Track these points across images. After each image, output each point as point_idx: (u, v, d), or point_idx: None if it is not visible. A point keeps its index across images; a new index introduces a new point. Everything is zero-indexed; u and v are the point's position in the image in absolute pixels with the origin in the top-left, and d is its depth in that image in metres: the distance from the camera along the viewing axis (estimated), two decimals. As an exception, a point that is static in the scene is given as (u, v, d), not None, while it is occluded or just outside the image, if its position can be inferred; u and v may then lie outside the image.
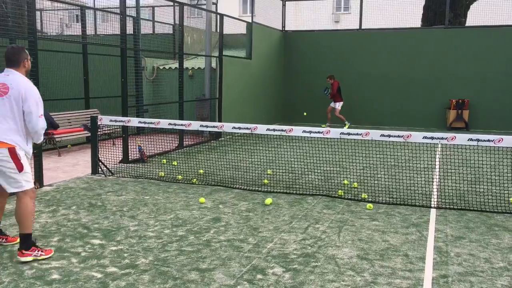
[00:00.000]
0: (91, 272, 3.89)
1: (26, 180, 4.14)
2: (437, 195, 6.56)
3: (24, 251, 4.08)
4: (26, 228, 4.12)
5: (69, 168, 8.13)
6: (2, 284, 3.64)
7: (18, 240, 4.25)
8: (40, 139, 4.26)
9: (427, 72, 15.19)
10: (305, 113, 15.17)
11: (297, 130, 6.47)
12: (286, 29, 16.72)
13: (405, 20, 16.48)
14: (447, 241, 4.78)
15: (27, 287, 3.60)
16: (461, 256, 4.39)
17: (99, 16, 16.72)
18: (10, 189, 4.14)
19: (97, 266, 4.02)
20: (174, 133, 10.59)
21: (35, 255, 4.10)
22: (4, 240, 4.49)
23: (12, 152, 4.03)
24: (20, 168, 4.07)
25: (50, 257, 4.18)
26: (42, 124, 4.15)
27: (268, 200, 6.11)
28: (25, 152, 4.16)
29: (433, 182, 7.39)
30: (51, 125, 9.22)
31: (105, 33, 14.58)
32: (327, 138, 6.48)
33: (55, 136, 9.21)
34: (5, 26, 7.83)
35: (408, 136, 5.96)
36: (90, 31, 14.34)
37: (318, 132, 6.33)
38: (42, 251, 4.16)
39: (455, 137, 5.78)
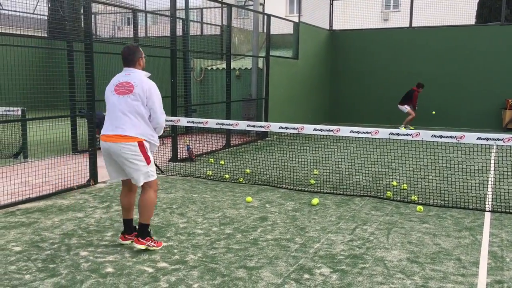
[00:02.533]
0: (143, 267, 4.02)
1: (152, 173, 4.34)
2: (492, 198, 6.31)
3: (140, 239, 4.32)
4: (146, 218, 4.35)
5: (121, 166, 8.41)
6: (60, 276, 3.82)
7: (162, 245, 4.47)
8: (161, 132, 4.49)
9: (482, 71, 14.62)
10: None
11: (345, 130, 6.40)
12: (333, 28, 16.56)
13: (458, 17, 15.93)
14: (503, 246, 4.60)
15: (83, 279, 3.77)
16: (518, 262, 4.21)
17: (150, 18, 17.18)
18: (140, 182, 4.29)
19: (149, 261, 4.15)
20: (221, 133, 10.74)
21: (148, 245, 4.34)
22: (131, 242, 4.49)
23: (141, 146, 4.24)
24: (148, 161, 4.28)
25: (159, 249, 4.38)
26: (164, 118, 4.38)
27: (315, 200, 6.09)
28: (150, 145, 4.35)
29: (487, 184, 7.12)
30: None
31: (156, 35, 14.98)
32: (375, 138, 6.38)
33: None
34: (62, 30, 8.21)
35: (462, 137, 5.77)
36: (141, 33, 14.77)
37: (366, 132, 6.24)
38: (154, 242, 4.39)
39: (512, 138, 5.54)
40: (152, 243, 4.37)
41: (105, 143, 4.30)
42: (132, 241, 4.45)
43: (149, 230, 4.42)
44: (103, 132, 4.34)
